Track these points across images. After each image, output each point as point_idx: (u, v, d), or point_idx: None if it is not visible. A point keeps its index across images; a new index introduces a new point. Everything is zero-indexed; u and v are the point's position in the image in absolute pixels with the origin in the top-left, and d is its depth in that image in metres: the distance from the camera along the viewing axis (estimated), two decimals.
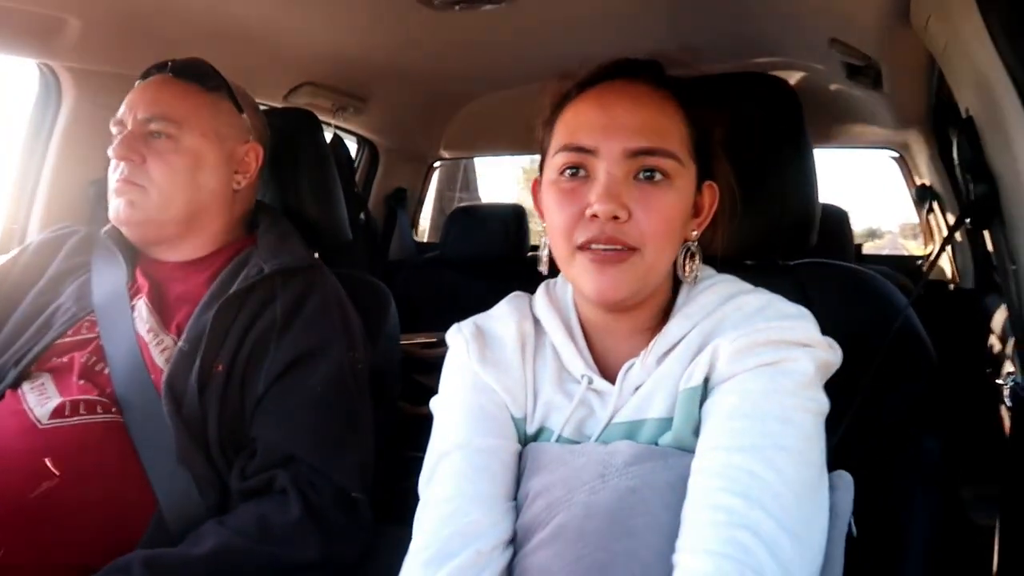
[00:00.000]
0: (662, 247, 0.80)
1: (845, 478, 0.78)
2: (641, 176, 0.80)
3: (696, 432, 0.77)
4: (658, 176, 0.79)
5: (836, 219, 2.54)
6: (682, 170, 0.81)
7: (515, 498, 0.83)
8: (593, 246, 0.79)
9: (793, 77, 2.07)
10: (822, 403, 0.75)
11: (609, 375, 0.86)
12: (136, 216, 1.17)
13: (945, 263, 2.61)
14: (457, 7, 1.52)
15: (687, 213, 0.84)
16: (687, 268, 0.86)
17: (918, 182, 2.69)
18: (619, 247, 0.78)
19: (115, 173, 1.18)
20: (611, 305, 0.83)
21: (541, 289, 0.95)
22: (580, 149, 0.81)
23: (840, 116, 2.40)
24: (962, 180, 1.17)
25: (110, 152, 1.17)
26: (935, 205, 2.53)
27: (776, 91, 1.09)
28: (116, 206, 1.18)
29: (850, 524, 0.78)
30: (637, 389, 0.83)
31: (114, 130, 1.20)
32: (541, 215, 0.89)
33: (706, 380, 0.78)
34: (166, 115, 1.18)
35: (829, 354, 0.77)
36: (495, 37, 1.79)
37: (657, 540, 0.70)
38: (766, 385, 0.74)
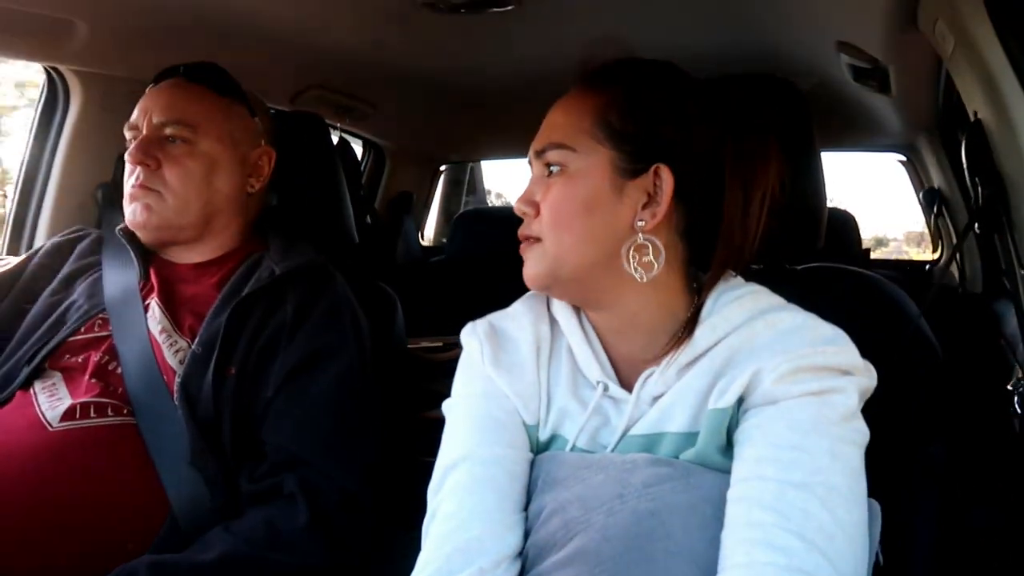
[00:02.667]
0: (559, 235, 0.83)
1: (874, 507, 0.77)
2: (550, 172, 0.85)
3: (721, 451, 0.75)
4: (556, 169, 0.84)
5: (842, 223, 2.53)
6: (576, 156, 0.83)
7: (525, 508, 0.82)
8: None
9: (800, 81, 2.06)
10: (865, 434, 0.75)
11: (625, 381, 0.84)
12: (153, 220, 1.18)
13: (953, 267, 2.60)
14: (463, 10, 1.52)
15: (597, 200, 0.82)
16: (630, 262, 0.82)
17: (926, 186, 2.68)
18: (529, 239, 0.86)
19: (130, 178, 1.18)
20: (540, 290, 0.89)
21: None
22: (529, 160, 0.90)
23: (847, 119, 2.39)
24: (970, 183, 1.17)
25: (125, 157, 1.17)
26: (943, 209, 2.52)
27: (785, 94, 1.09)
28: (132, 210, 1.18)
29: (877, 554, 0.77)
30: (655, 400, 0.81)
31: (128, 135, 1.20)
32: None
33: (739, 401, 0.76)
34: (181, 119, 1.18)
35: (868, 379, 0.77)
36: (501, 41, 1.79)
37: (676, 566, 0.69)
38: (814, 416, 0.72)
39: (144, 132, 1.18)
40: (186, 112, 1.18)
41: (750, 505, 0.69)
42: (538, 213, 0.85)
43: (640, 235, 0.82)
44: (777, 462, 0.70)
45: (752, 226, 0.83)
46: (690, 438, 0.77)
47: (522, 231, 0.87)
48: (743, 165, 0.84)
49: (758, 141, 0.85)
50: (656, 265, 0.82)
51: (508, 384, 0.87)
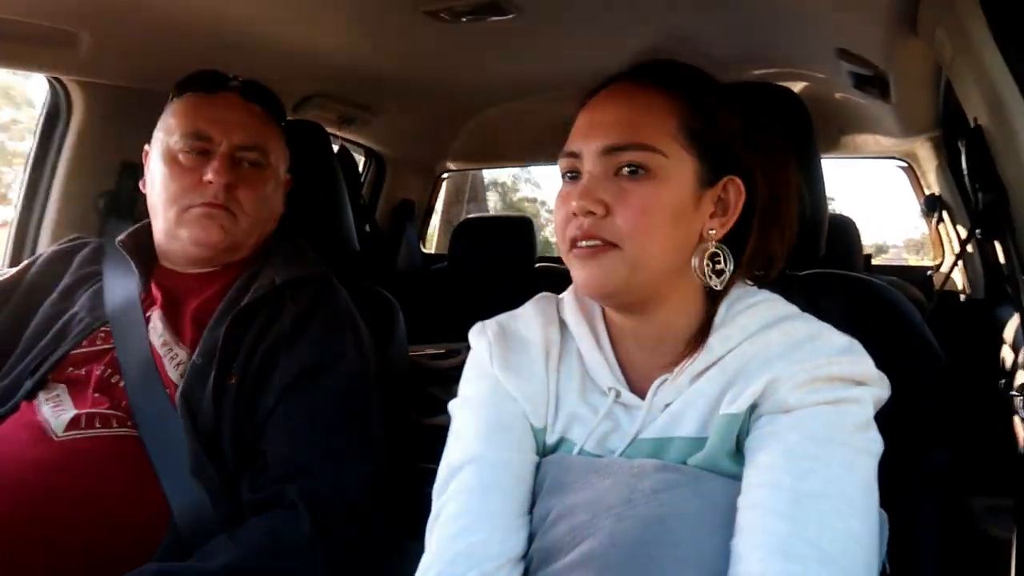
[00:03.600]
0: (643, 242, 0.79)
1: (883, 516, 0.77)
2: (624, 172, 0.80)
3: (730, 457, 0.75)
4: (640, 171, 0.79)
5: (844, 229, 2.53)
6: (666, 162, 0.80)
7: (529, 512, 0.82)
8: (578, 243, 0.80)
9: (800, 87, 2.07)
10: (879, 444, 0.75)
11: (636, 387, 0.84)
12: (225, 241, 1.18)
13: (956, 273, 2.60)
14: (464, 19, 1.53)
15: (682, 208, 0.81)
16: (700, 271, 0.83)
17: (926, 192, 2.68)
18: (597, 242, 0.79)
19: (202, 193, 1.16)
20: (602, 299, 0.84)
21: (571, 291, 0.92)
22: (570, 154, 0.84)
23: (848, 126, 2.40)
24: (971, 190, 1.17)
25: (182, 157, 1.17)
26: (944, 215, 2.52)
27: (784, 101, 1.09)
28: (204, 228, 1.16)
29: (884, 563, 0.77)
30: (667, 406, 0.81)
31: (183, 143, 1.18)
32: None
33: (751, 408, 0.76)
34: (260, 145, 1.22)
35: (882, 390, 0.77)
36: (502, 49, 1.80)
37: (684, 572, 0.69)
38: (830, 425, 0.72)
39: (223, 150, 1.18)
40: (262, 138, 1.23)
41: (764, 513, 0.69)
42: (607, 214, 0.80)
43: (713, 244, 0.83)
44: (792, 471, 0.70)
45: (788, 234, 0.87)
46: (699, 443, 0.77)
47: (589, 231, 0.80)
48: (774, 176, 0.86)
49: (783, 153, 0.87)
50: (727, 273, 0.83)
51: (516, 386, 0.86)
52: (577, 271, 0.82)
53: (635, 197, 0.79)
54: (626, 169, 0.80)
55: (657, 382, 0.82)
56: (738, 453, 0.76)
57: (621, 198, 0.79)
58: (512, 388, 0.86)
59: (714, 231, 0.83)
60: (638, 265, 0.80)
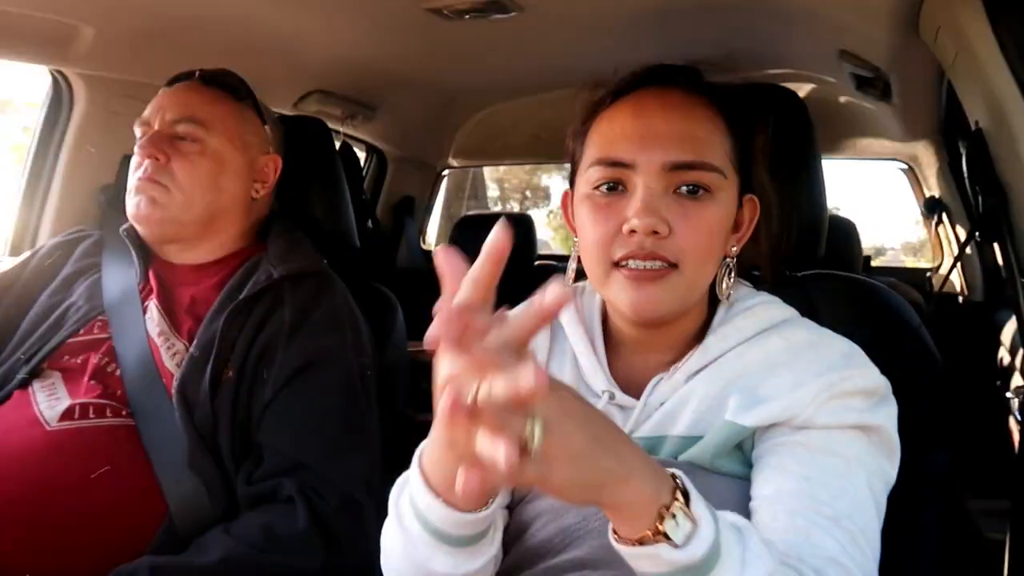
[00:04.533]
0: (702, 264, 0.78)
1: None
2: (682, 190, 0.77)
3: (722, 456, 0.75)
4: (700, 190, 0.77)
5: (843, 230, 2.53)
6: (724, 183, 0.78)
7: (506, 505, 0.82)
8: (631, 263, 0.76)
9: (802, 89, 2.07)
10: (892, 478, 0.75)
11: (629, 388, 0.83)
12: (156, 214, 1.17)
13: (954, 275, 2.60)
14: (467, 16, 1.53)
15: (728, 228, 0.81)
16: (724, 285, 0.83)
17: (927, 194, 2.68)
18: (658, 263, 0.75)
19: (137, 171, 1.18)
20: (649, 321, 0.81)
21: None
22: (617, 163, 0.78)
23: (849, 128, 2.40)
24: (971, 192, 1.17)
25: (136, 150, 1.18)
26: (944, 217, 2.52)
27: (786, 103, 1.09)
28: (136, 203, 1.17)
29: None
30: (661, 405, 0.80)
31: (138, 131, 1.21)
32: (573, 229, 0.86)
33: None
34: (195, 117, 1.19)
35: (893, 401, 0.77)
36: (504, 47, 1.80)
37: None
38: (851, 450, 0.72)
39: (156, 128, 1.19)
40: (200, 111, 1.19)
41: (775, 530, 0.68)
42: (669, 234, 0.76)
43: (732, 260, 0.83)
44: (812, 498, 0.69)
45: (788, 235, 0.88)
46: (691, 442, 0.76)
47: (653, 252, 0.75)
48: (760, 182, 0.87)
49: (765, 157, 0.87)
50: (731, 282, 0.84)
51: None
52: (627, 292, 0.77)
53: (697, 218, 0.76)
54: (685, 187, 0.77)
55: (653, 381, 0.82)
56: (732, 453, 0.76)
57: (683, 218, 0.76)
58: None
59: (735, 248, 0.84)
60: (694, 287, 0.79)
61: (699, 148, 0.77)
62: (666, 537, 0.55)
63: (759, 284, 0.90)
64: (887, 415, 0.75)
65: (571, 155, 0.87)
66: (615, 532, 0.59)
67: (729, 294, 0.84)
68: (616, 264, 0.77)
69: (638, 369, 0.85)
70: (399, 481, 0.76)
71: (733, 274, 0.84)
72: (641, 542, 0.56)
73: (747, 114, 0.83)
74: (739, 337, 0.80)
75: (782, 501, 0.70)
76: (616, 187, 0.78)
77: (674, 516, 0.56)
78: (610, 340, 0.87)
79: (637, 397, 0.82)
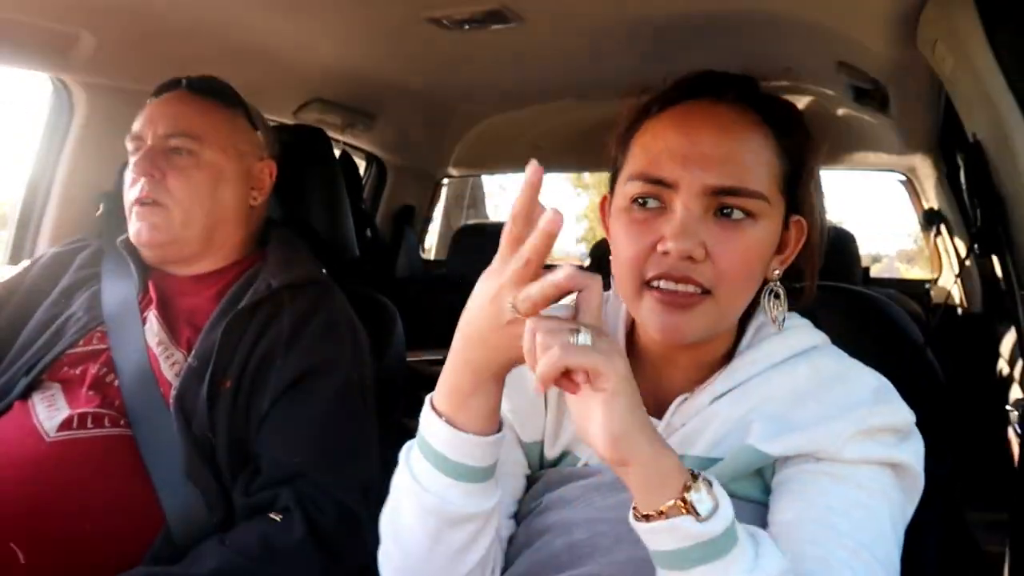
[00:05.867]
0: (738, 290, 0.75)
1: None
2: (722, 213, 0.74)
3: (738, 479, 0.74)
4: (741, 215, 0.73)
5: (842, 241, 2.53)
6: (768, 209, 0.75)
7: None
8: (663, 283, 0.73)
9: (801, 100, 2.07)
10: (909, 515, 0.75)
11: (650, 404, 0.80)
12: (158, 238, 1.18)
13: (954, 287, 2.60)
14: (467, 26, 1.53)
15: (770, 253, 0.78)
16: (773, 311, 0.79)
17: (925, 206, 2.69)
18: (691, 288, 0.73)
19: (133, 190, 1.17)
20: (674, 345, 0.78)
21: None
22: (658, 181, 0.74)
23: (847, 139, 2.40)
24: (970, 204, 1.17)
25: (130, 168, 1.17)
26: (943, 229, 2.52)
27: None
28: (138, 229, 1.17)
29: None
30: (683, 425, 0.79)
31: (130, 146, 1.20)
32: (608, 233, 0.83)
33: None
34: (187, 131, 1.18)
35: (919, 436, 0.76)
36: (504, 56, 1.80)
37: None
38: (880, 480, 0.72)
39: (149, 143, 1.18)
40: (191, 124, 1.19)
41: (792, 557, 0.66)
42: (706, 257, 0.73)
43: (777, 284, 0.80)
44: (833, 528, 0.68)
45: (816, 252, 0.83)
46: (710, 463, 0.75)
47: (686, 276, 0.72)
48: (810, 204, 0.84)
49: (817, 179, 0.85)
50: (784, 309, 0.80)
51: (505, 398, 0.85)
52: (656, 316, 0.74)
53: (737, 244, 0.73)
54: (724, 210, 0.74)
55: (677, 401, 0.80)
56: (750, 478, 0.75)
57: (722, 243, 0.73)
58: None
59: (777, 271, 0.80)
60: (726, 315, 0.76)
61: (744, 174, 0.73)
62: (690, 510, 0.58)
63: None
64: (915, 452, 0.74)
65: (612, 160, 0.85)
66: (635, 510, 0.61)
67: (785, 318, 0.80)
68: (648, 283, 0.74)
69: (662, 386, 0.82)
70: (406, 446, 0.77)
71: (784, 299, 0.80)
72: (663, 514, 0.58)
73: (802, 133, 0.80)
74: (768, 363, 0.78)
75: (802, 528, 0.69)
76: (654, 202, 0.76)
77: (699, 490, 0.59)
78: (633, 351, 0.85)
79: (657, 414, 0.80)
